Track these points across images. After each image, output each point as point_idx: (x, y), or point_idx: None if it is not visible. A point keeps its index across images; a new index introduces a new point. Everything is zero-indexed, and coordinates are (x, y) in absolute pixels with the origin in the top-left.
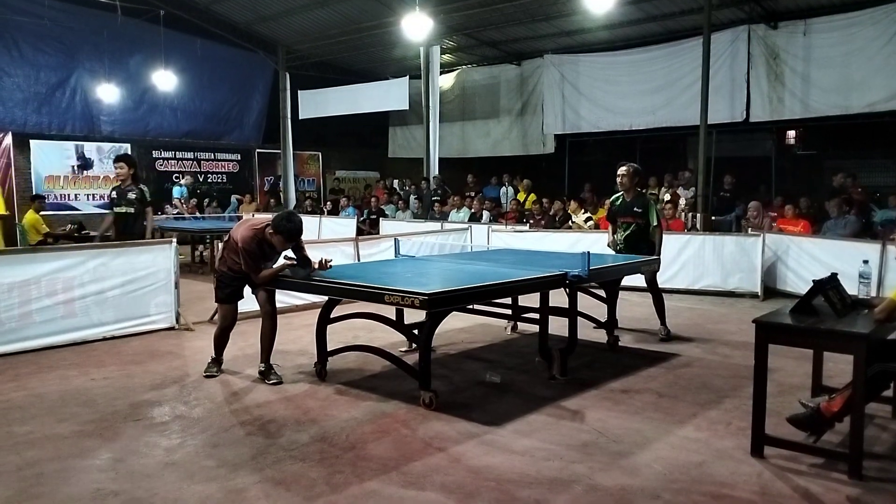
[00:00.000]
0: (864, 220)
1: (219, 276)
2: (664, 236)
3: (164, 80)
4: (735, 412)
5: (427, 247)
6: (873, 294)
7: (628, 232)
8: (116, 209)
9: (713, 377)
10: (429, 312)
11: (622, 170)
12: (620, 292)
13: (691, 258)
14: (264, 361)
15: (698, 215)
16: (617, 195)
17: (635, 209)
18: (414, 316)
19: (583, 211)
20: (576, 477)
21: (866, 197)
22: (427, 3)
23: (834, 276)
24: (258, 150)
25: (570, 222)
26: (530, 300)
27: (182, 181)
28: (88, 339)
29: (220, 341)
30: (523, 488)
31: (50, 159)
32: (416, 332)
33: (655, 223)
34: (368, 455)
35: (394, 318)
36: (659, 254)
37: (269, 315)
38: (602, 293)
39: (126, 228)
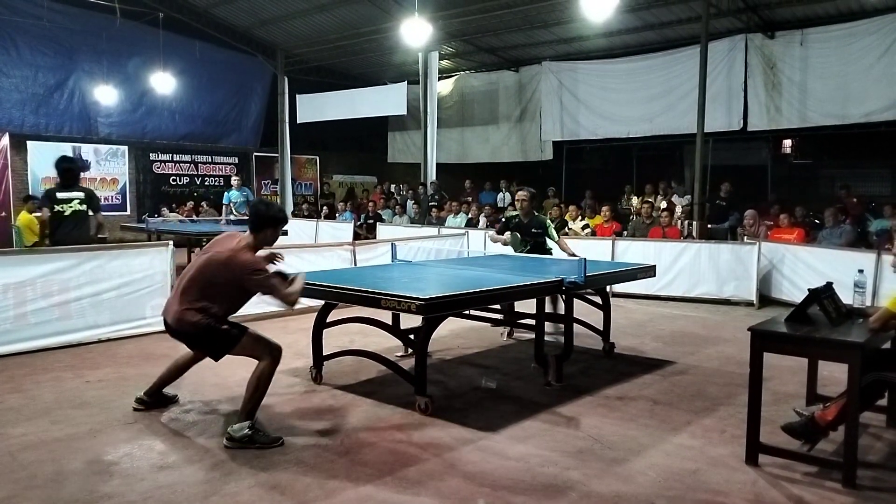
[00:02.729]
0: (860, 229)
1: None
2: (659, 243)
3: (163, 82)
4: (730, 420)
5: (424, 252)
6: (868, 303)
7: (528, 247)
8: None
9: (708, 385)
10: (425, 317)
11: (521, 194)
12: (615, 299)
13: (687, 266)
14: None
15: (694, 223)
16: (514, 213)
17: (533, 230)
18: (410, 321)
19: (579, 217)
20: (571, 483)
21: (861, 206)
22: (426, 8)
23: (829, 284)
24: (256, 154)
25: (566, 229)
26: (526, 306)
27: (234, 182)
28: (83, 341)
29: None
30: (518, 494)
31: (47, 160)
32: (411, 337)
33: (557, 238)
34: (363, 460)
35: (390, 323)
36: (571, 251)
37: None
38: (598, 300)
39: None
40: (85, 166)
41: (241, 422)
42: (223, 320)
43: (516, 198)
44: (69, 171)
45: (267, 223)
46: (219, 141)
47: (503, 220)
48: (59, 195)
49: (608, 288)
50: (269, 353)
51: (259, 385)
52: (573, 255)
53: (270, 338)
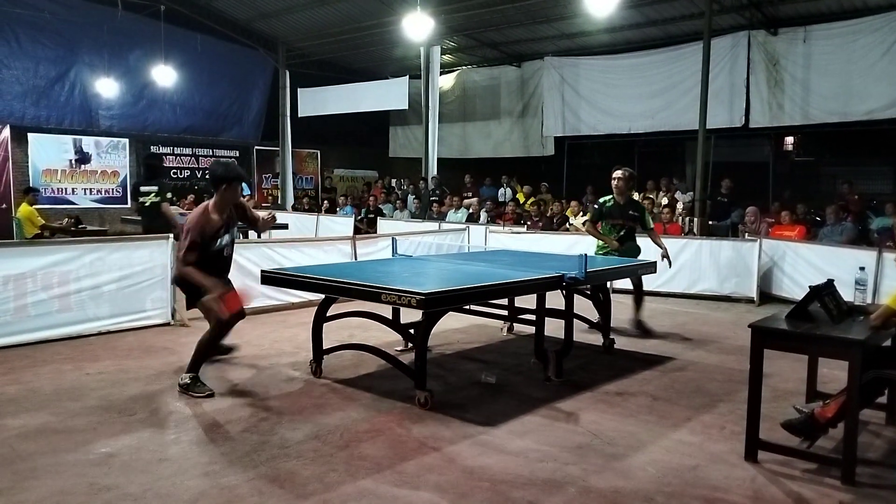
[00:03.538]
0: (861, 226)
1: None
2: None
3: (164, 75)
4: (729, 416)
5: (424, 246)
6: (869, 301)
7: (620, 234)
8: None
9: (708, 381)
10: (425, 312)
11: (619, 173)
12: (616, 295)
13: (688, 262)
14: (192, 371)
15: (695, 220)
16: (608, 198)
17: (631, 212)
18: (410, 315)
19: (581, 213)
20: (569, 479)
21: (863, 204)
22: (428, 3)
23: (830, 282)
24: (257, 147)
25: (567, 224)
26: (527, 301)
27: None
28: (83, 333)
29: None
30: (517, 489)
31: (48, 153)
32: (411, 331)
33: (651, 227)
34: (362, 454)
35: (390, 318)
36: (665, 249)
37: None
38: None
39: None
40: (86, 159)
41: (187, 372)
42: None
43: (612, 177)
44: (150, 166)
45: (218, 182)
46: (220, 134)
47: (596, 206)
48: (143, 188)
49: (608, 284)
50: (217, 321)
51: (202, 346)
52: (666, 254)
53: (224, 308)
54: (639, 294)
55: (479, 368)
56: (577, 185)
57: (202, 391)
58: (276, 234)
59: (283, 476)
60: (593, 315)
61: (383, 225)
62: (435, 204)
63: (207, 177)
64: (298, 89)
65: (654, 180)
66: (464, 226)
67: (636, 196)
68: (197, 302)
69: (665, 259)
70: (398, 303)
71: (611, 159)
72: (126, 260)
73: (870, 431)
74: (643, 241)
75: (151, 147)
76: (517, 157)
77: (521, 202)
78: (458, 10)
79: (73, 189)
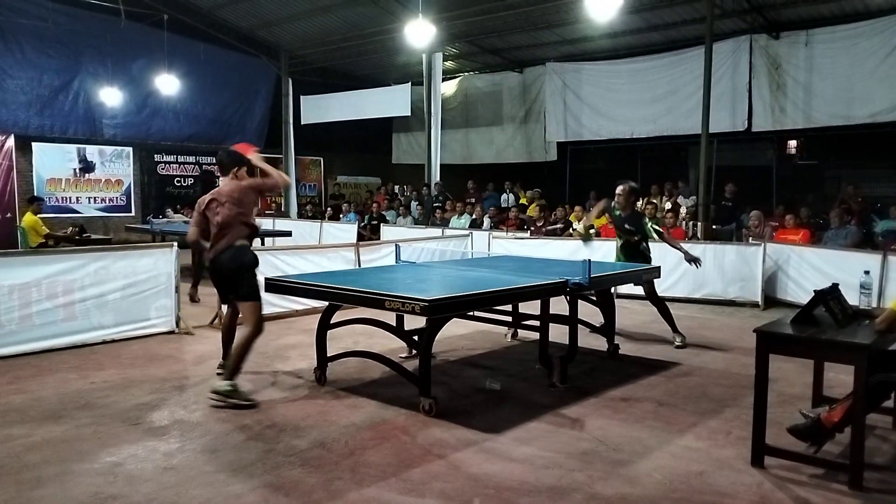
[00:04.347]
0: (865, 230)
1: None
2: (663, 244)
3: (167, 83)
4: (735, 422)
5: (428, 253)
6: (874, 305)
7: (622, 242)
8: None
9: (713, 386)
10: (429, 319)
11: (619, 188)
12: (621, 300)
13: (692, 267)
14: (231, 377)
15: (699, 224)
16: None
17: (626, 226)
18: (414, 322)
19: (584, 218)
20: (575, 485)
21: (867, 207)
22: (430, 10)
23: (835, 286)
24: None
25: (570, 230)
26: (531, 307)
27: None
28: (88, 342)
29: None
30: (522, 496)
31: (52, 162)
32: (416, 338)
33: (654, 236)
34: (367, 461)
35: (394, 324)
36: (684, 251)
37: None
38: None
39: None
40: (90, 167)
41: (227, 380)
42: (256, 265)
43: (615, 192)
44: (205, 181)
45: (232, 165)
46: (223, 142)
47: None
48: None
49: (613, 289)
50: (256, 325)
51: (243, 351)
52: (686, 253)
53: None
54: (662, 307)
55: (484, 375)
56: (579, 190)
57: (243, 398)
58: (280, 241)
59: (288, 484)
60: (598, 321)
61: (387, 231)
62: (438, 210)
63: (219, 162)
64: (301, 97)
65: (657, 185)
66: (467, 232)
67: (640, 205)
68: (247, 300)
69: (692, 262)
70: (402, 310)
71: (613, 164)
72: (131, 268)
73: (876, 436)
74: (659, 252)
75: (155, 155)
76: (520, 162)
77: (526, 205)
78: (459, 16)
79: (77, 198)
